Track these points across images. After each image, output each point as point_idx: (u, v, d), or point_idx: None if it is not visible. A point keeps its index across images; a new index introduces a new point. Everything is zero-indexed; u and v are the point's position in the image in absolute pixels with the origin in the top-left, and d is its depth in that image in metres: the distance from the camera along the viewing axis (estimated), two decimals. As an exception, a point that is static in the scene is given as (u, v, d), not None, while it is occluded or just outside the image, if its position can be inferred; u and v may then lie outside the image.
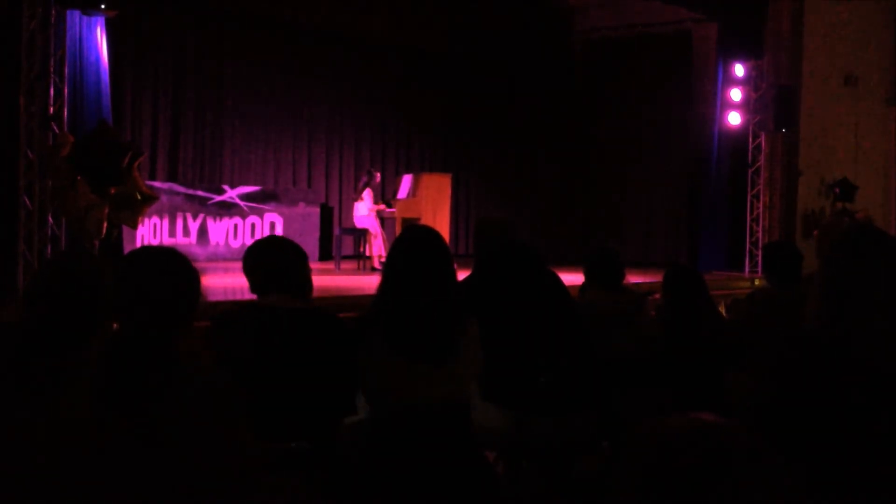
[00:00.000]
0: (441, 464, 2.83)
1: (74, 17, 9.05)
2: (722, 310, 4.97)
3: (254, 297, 3.09)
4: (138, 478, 1.69)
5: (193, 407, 1.78)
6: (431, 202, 11.78)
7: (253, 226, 12.79)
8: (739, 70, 13.22)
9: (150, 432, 1.72)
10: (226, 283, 9.03)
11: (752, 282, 11.86)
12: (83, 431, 1.71)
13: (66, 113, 8.97)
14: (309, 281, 3.08)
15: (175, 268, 1.99)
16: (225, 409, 1.81)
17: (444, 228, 11.49)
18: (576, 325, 3.85)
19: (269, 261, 3.03)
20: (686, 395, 3.69)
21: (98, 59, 9.43)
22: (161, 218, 12.08)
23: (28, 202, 8.65)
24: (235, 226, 12.63)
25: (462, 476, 2.85)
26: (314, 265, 13.24)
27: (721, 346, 3.93)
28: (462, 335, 2.96)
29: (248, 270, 3.08)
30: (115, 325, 1.96)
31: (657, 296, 4.55)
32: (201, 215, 12.48)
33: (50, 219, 8.85)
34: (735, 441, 1.16)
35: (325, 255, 13.57)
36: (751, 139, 13.36)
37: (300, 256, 3.09)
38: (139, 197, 8.73)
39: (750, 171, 13.39)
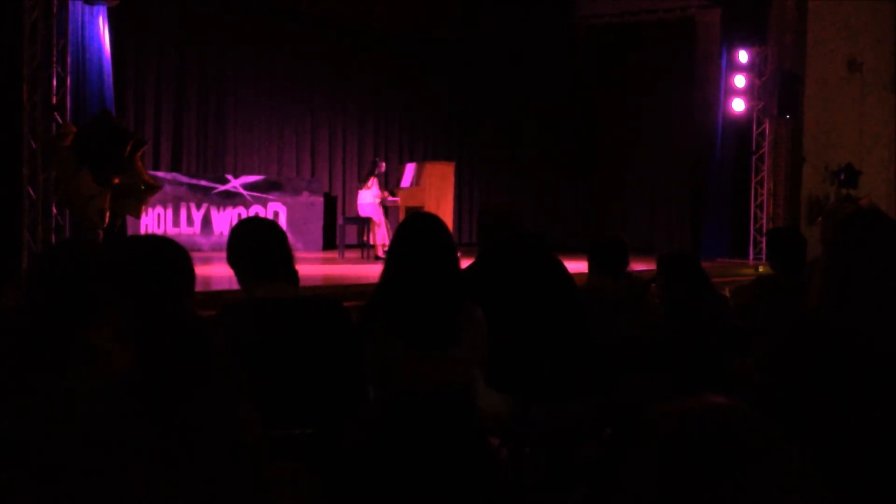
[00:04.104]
0: (444, 450, 2.84)
1: (76, 6, 9.05)
2: (726, 295, 4.96)
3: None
4: (139, 466, 1.69)
5: (195, 393, 1.78)
6: (435, 191, 11.77)
7: (256, 215, 12.80)
8: (743, 56, 13.18)
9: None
10: (230, 272, 9.04)
11: (756, 268, 11.84)
12: (89, 416, 1.71)
13: (68, 102, 8.98)
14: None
15: (156, 254, 1.97)
16: (226, 395, 1.81)
17: (447, 217, 11.48)
18: (579, 311, 3.85)
19: (262, 246, 2.91)
20: (689, 380, 3.69)
21: (100, 48, 9.43)
22: (165, 207, 12.10)
23: (31, 192, 8.66)
24: (239, 215, 12.64)
25: (465, 462, 2.86)
26: (318, 254, 13.18)
27: (724, 330, 3.92)
28: (465, 322, 2.96)
29: (239, 258, 2.93)
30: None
31: (660, 282, 4.53)
32: (205, 205, 12.50)
33: (54, 208, 8.86)
34: (750, 423, 1.16)
35: (328, 244, 13.58)
36: (755, 125, 13.33)
37: (285, 238, 2.97)
38: (142, 186, 8.74)
39: (754, 158, 13.37)
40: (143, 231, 11.21)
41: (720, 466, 1.12)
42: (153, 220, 11.96)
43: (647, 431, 1.19)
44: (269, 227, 3.02)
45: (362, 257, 12.02)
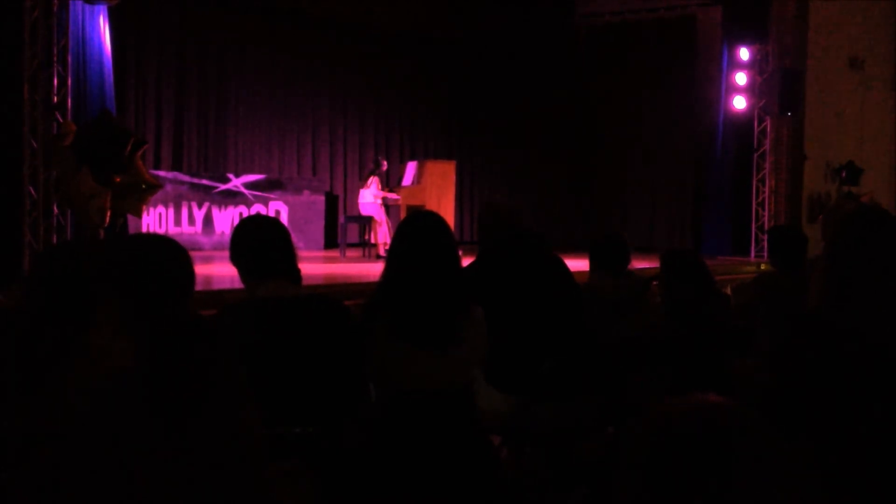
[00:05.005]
0: (445, 448, 2.84)
1: (77, 5, 9.06)
2: (727, 293, 4.96)
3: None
4: (145, 460, 1.69)
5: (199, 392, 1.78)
6: (436, 189, 11.78)
7: (258, 213, 12.77)
8: (744, 54, 13.16)
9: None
10: (232, 271, 9.03)
11: (758, 266, 11.84)
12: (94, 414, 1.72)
13: (69, 102, 8.98)
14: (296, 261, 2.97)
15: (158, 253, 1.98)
16: (227, 394, 1.81)
17: (448, 215, 11.48)
18: (579, 311, 3.85)
19: (265, 244, 2.90)
20: (690, 378, 3.69)
21: (101, 47, 9.44)
22: (166, 207, 12.10)
23: (32, 191, 8.66)
24: (240, 214, 12.63)
25: (466, 460, 2.86)
26: (319, 253, 13.15)
27: (724, 329, 3.92)
28: (466, 321, 2.95)
29: (242, 256, 2.93)
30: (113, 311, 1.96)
31: (662, 281, 4.53)
32: (206, 204, 12.50)
33: (55, 208, 8.87)
34: (740, 421, 1.16)
35: (330, 243, 13.58)
36: (756, 123, 13.32)
37: (288, 236, 2.98)
38: (143, 186, 8.75)
39: (755, 156, 13.36)
40: (144, 230, 11.20)
41: (710, 465, 1.12)
42: (154, 220, 11.96)
43: (639, 430, 1.19)
44: (272, 226, 3.02)
45: (364, 256, 12.02)
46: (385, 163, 12.49)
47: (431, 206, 11.20)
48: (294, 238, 3.10)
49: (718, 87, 13.50)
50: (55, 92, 8.88)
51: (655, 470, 1.14)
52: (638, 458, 1.17)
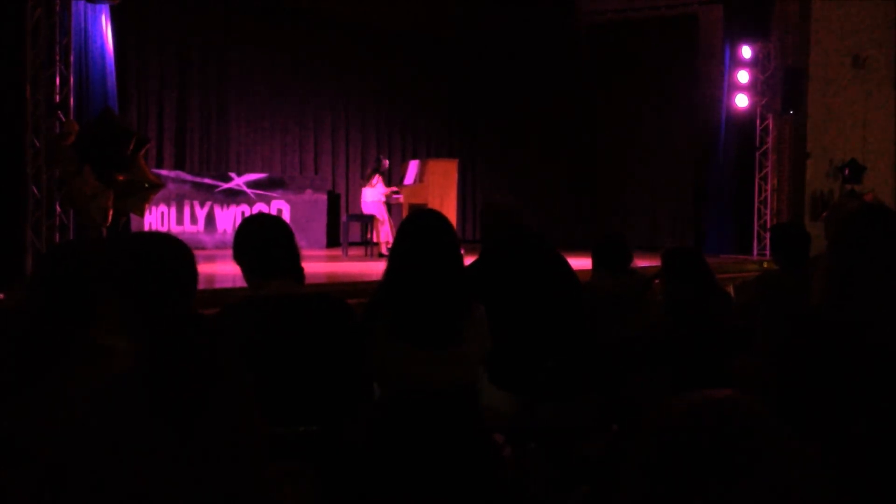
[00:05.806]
0: (449, 447, 2.84)
1: (79, 5, 9.07)
2: (730, 292, 4.95)
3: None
4: (145, 460, 1.69)
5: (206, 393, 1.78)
6: (438, 188, 11.77)
7: (260, 212, 12.77)
8: (747, 52, 13.14)
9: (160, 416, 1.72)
10: (234, 270, 9.03)
11: (761, 264, 11.82)
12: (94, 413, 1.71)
13: (71, 101, 8.99)
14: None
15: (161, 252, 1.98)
16: (229, 394, 1.81)
17: (451, 214, 11.48)
18: (581, 310, 3.85)
19: (268, 243, 2.90)
20: (691, 378, 3.69)
21: (103, 47, 9.45)
22: (168, 206, 12.11)
23: (35, 191, 8.66)
24: (243, 213, 12.64)
25: (469, 459, 2.85)
26: (321, 252, 13.16)
27: (725, 328, 3.91)
28: (468, 319, 2.95)
29: (245, 254, 2.93)
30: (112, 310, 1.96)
31: (664, 279, 4.52)
32: (208, 203, 12.51)
33: (58, 207, 8.87)
34: (744, 419, 1.16)
35: (332, 241, 13.59)
36: (758, 121, 13.30)
37: (292, 235, 2.98)
38: (146, 185, 8.76)
39: (758, 154, 13.34)
40: (146, 229, 11.21)
41: (714, 464, 1.11)
42: (157, 219, 11.97)
43: (649, 426, 1.19)
44: (275, 225, 3.02)
45: (366, 255, 12.03)
46: (386, 161, 12.49)
47: (434, 204, 11.19)
48: (296, 237, 3.10)
49: (720, 86, 13.48)
50: (57, 91, 8.87)
51: (658, 468, 1.14)
52: (641, 457, 1.17)
